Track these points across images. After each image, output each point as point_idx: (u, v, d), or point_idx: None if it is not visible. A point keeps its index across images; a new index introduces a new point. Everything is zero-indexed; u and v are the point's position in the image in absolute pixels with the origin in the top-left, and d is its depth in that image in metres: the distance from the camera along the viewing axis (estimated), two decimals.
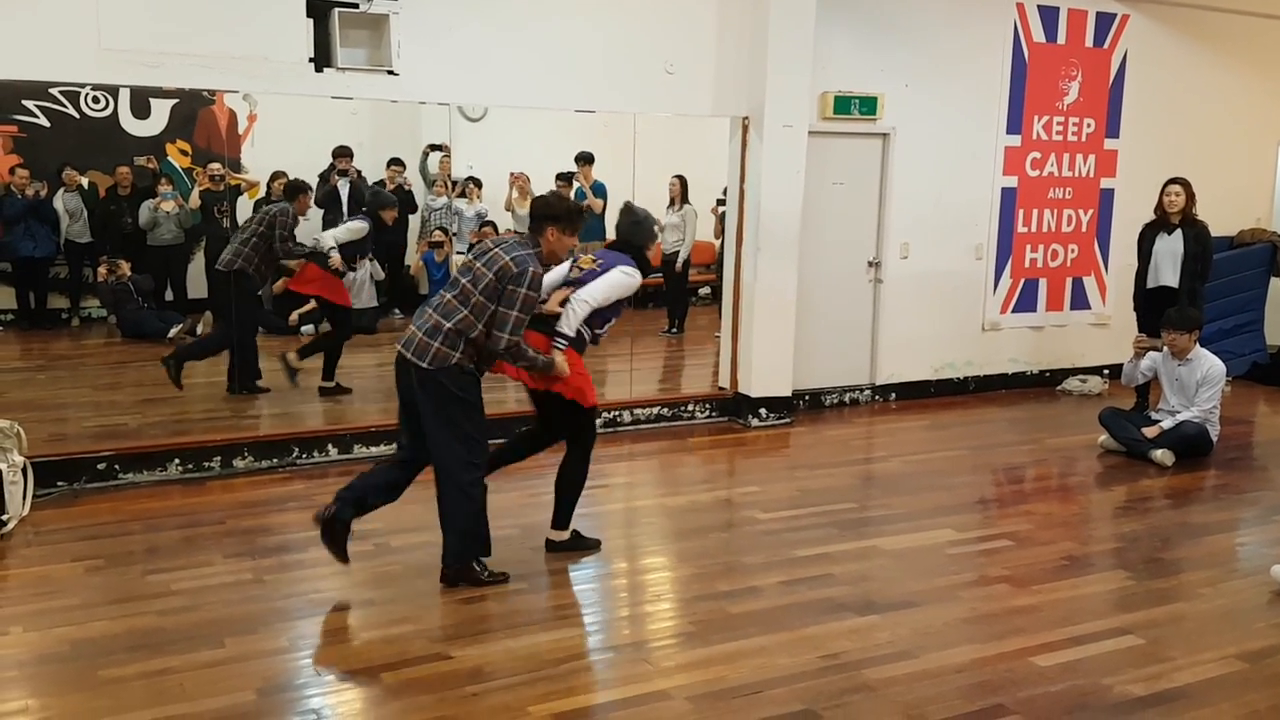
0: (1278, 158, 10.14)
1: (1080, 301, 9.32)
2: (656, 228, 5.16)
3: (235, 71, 6.04)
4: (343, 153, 11.18)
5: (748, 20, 7.39)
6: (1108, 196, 9.25)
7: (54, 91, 10.97)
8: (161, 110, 11.58)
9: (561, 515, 5.10)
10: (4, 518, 5.20)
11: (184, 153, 11.76)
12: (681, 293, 11.08)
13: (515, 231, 4.79)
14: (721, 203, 9.39)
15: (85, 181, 10.93)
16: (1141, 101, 9.16)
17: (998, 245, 8.84)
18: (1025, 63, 8.65)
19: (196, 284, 9.85)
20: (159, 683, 3.75)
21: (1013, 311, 9.03)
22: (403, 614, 4.39)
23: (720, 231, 9.99)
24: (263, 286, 7.80)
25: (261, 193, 11.29)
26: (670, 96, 7.34)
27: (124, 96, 11.36)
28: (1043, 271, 9.10)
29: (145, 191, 10.79)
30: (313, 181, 11.44)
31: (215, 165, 11.11)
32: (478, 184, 11.62)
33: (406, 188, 10.89)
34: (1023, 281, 9.02)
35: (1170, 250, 7.66)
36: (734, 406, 7.85)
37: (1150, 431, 6.96)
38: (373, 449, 6.53)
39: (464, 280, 4.47)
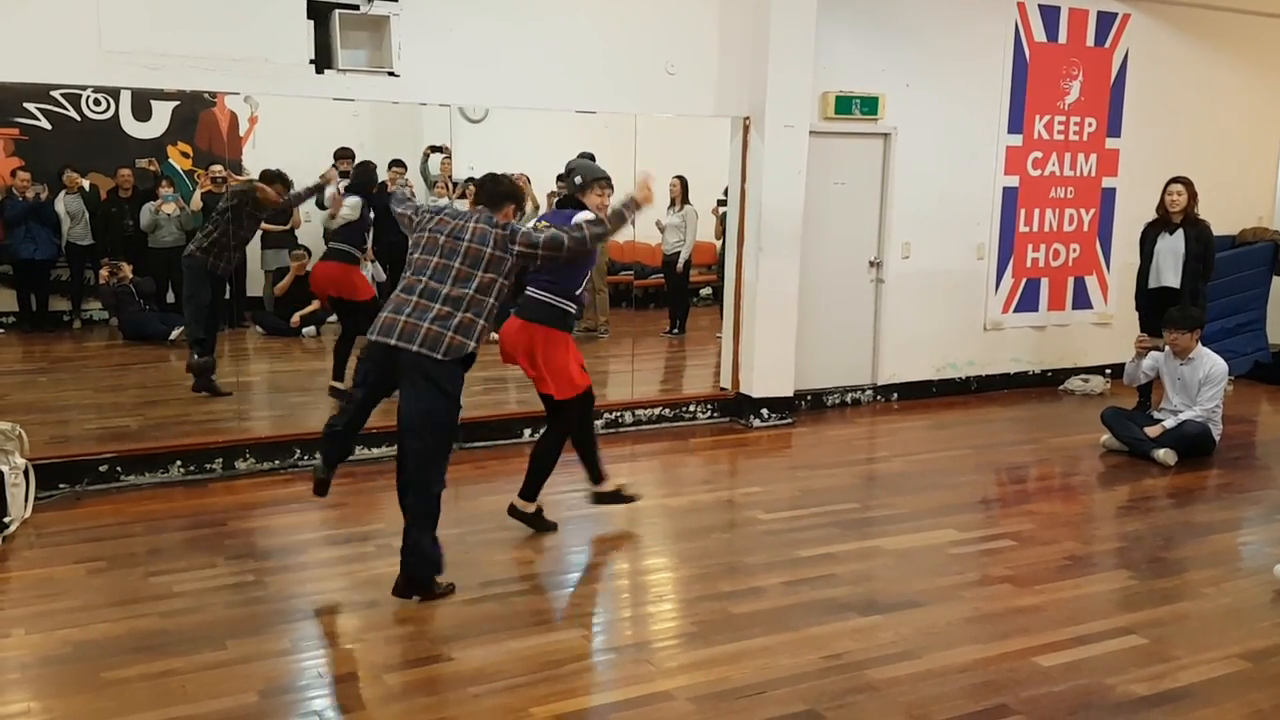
0: (1279, 156, 10.13)
1: (1082, 301, 9.32)
2: (587, 171, 5.39)
3: (236, 73, 6.04)
4: (344, 154, 11.18)
5: (749, 20, 7.40)
6: (1109, 196, 9.25)
7: (55, 94, 10.98)
8: (162, 112, 11.59)
9: (530, 486, 5.26)
10: (6, 520, 5.19)
11: (185, 155, 11.77)
12: (683, 293, 11.08)
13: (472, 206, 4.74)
14: (723, 203, 9.39)
15: (86, 184, 10.93)
16: (1143, 101, 9.16)
17: (999, 245, 8.84)
18: (1026, 62, 8.64)
19: None
20: (161, 684, 3.75)
21: (1014, 311, 9.02)
22: (404, 615, 4.38)
23: (721, 232, 9.99)
24: (224, 270, 7.52)
25: None
26: (671, 97, 7.34)
27: (125, 99, 11.37)
28: (1044, 271, 9.10)
29: (146, 194, 10.79)
30: (314, 183, 11.45)
31: (217, 167, 11.12)
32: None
33: (408, 189, 10.89)
34: (1024, 281, 9.02)
35: (1172, 249, 7.66)
36: (735, 407, 7.85)
37: (1153, 431, 6.95)
38: (374, 450, 6.52)
39: (455, 263, 4.37)
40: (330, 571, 4.83)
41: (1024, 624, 4.38)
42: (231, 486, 6.12)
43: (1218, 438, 7.04)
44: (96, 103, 11.27)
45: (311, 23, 6.11)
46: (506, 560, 4.87)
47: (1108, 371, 9.13)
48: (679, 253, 10.73)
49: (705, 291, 13.29)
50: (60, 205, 10.74)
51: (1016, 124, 8.73)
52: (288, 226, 10.99)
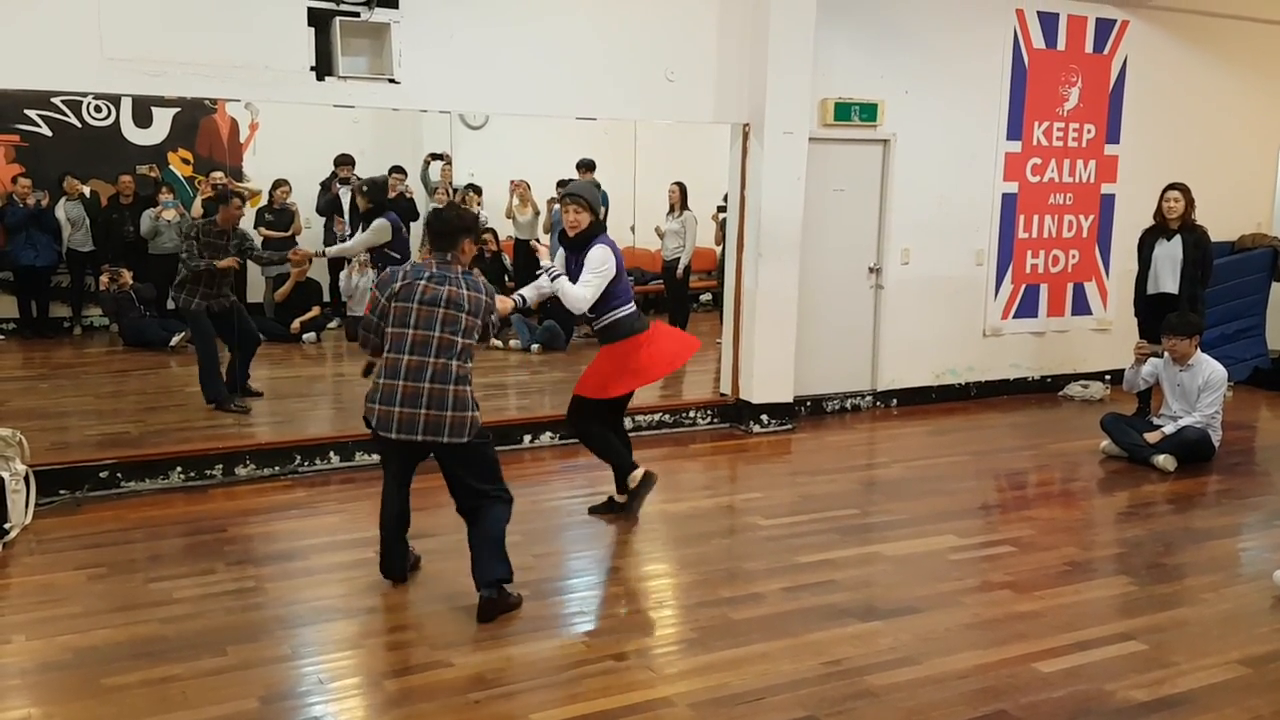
0: (1278, 162, 10.15)
1: (1081, 307, 9.33)
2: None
3: (237, 80, 6.05)
4: (344, 161, 11.23)
5: (748, 27, 7.41)
6: (1108, 202, 9.26)
7: (56, 101, 11.02)
8: (163, 119, 11.63)
9: (616, 479, 5.61)
10: (6, 526, 5.20)
11: (186, 161, 11.80)
12: (682, 299, 11.10)
13: (428, 255, 4.53)
14: (722, 209, 9.41)
15: (87, 190, 10.93)
16: (1142, 107, 9.17)
17: (999, 251, 8.85)
18: (1025, 69, 8.66)
19: None
20: (161, 691, 3.75)
21: (1014, 317, 9.03)
22: (404, 621, 4.39)
23: (721, 238, 10.02)
24: (191, 301, 7.37)
25: (264, 200, 11.34)
26: (671, 103, 7.35)
27: (126, 105, 11.41)
28: (1044, 277, 9.11)
29: (147, 200, 10.81)
30: (314, 189, 11.50)
31: (217, 174, 11.14)
32: (478, 191, 11.65)
33: (408, 196, 10.91)
34: (1024, 287, 9.03)
35: (1170, 256, 7.67)
36: (735, 413, 7.85)
37: (1152, 437, 6.96)
38: (374, 456, 6.52)
39: (445, 333, 4.25)
40: (330, 578, 4.83)
41: (1024, 630, 4.38)
42: (232, 493, 6.12)
43: (1217, 444, 7.04)
44: (97, 109, 11.30)
45: (312, 29, 6.11)
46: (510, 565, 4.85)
47: (1107, 377, 9.13)
48: (679, 259, 10.75)
49: (705, 297, 13.33)
50: (61, 212, 10.75)
51: (1015, 130, 8.74)
52: (289, 233, 11.02)
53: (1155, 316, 7.49)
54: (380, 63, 6.36)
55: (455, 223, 4.47)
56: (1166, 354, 7.08)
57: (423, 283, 4.30)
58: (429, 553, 4.90)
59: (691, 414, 7.85)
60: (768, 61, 7.31)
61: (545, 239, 10.65)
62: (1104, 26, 8.93)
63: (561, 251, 5.44)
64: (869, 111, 8.01)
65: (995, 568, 5.12)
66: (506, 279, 11.14)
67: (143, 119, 11.53)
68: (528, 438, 7.06)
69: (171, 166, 11.61)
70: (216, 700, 3.69)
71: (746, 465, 7.09)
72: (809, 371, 8.02)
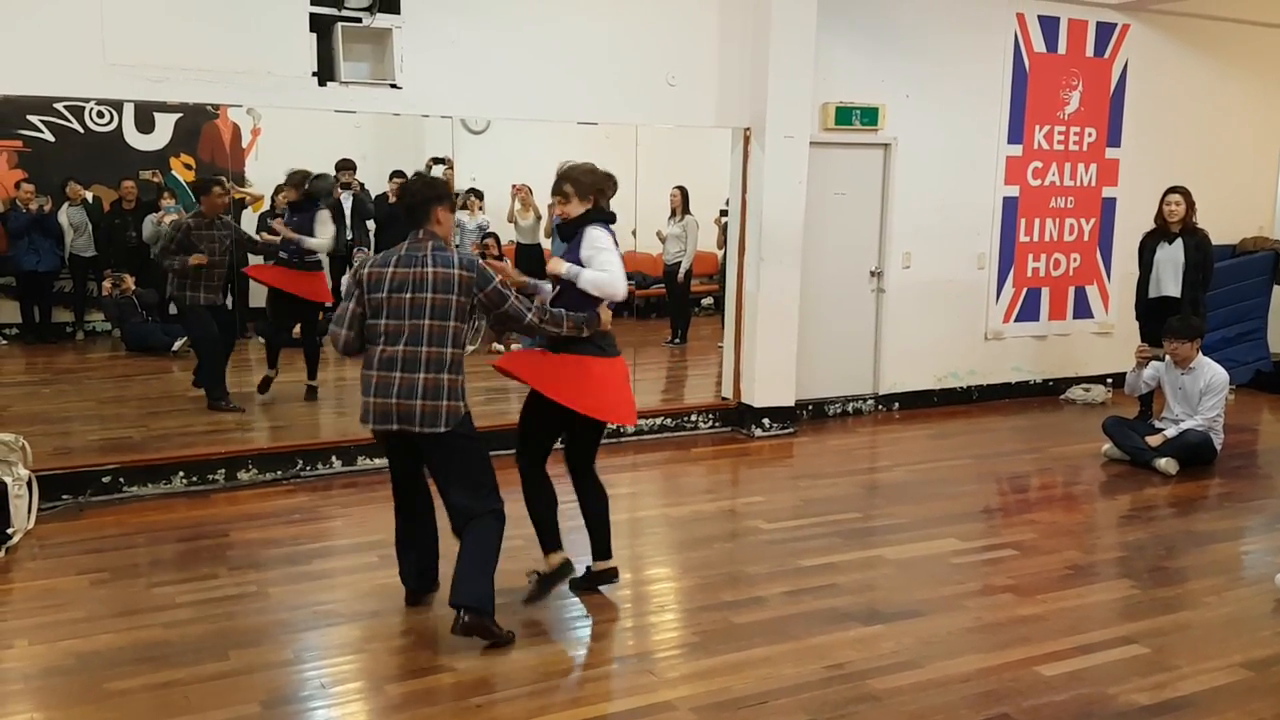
0: (1279, 165, 10.15)
1: (1083, 310, 9.33)
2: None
3: (239, 85, 6.07)
4: (346, 166, 11.21)
5: (749, 32, 7.43)
6: (1109, 205, 9.27)
7: (58, 106, 11.01)
8: (165, 124, 11.62)
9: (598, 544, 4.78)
10: (9, 531, 5.20)
11: (188, 167, 11.79)
12: (684, 303, 11.10)
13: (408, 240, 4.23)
14: (724, 213, 9.40)
15: (89, 195, 10.95)
16: (1143, 111, 9.18)
17: (1000, 254, 8.85)
18: (1026, 72, 8.67)
19: None
20: (164, 695, 3.76)
21: (1015, 320, 9.03)
22: (407, 626, 4.39)
23: (723, 242, 10.01)
24: (195, 296, 7.66)
25: (265, 206, 11.34)
26: (672, 108, 7.36)
27: (128, 111, 11.40)
28: (1045, 280, 9.11)
29: (149, 205, 10.81)
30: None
31: (219, 179, 11.13)
32: (480, 196, 11.65)
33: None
34: (1025, 290, 9.03)
35: (1171, 259, 7.67)
36: (737, 417, 7.85)
37: (1154, 440, 6.95)
38: (376, 460, 6.52)
39: (425, 321, 4.07)
40: (332, 582, 4.83)
41: (1026, 633, 4.38)
42: (234, 497, 6.12)
43: (1219, 447, 7.04)
44: (100, 115, 11.30)
45: (314, 35, 6.14)
46: (507, 571, 4.85)
47: (1109, 381, 9.14)
48: (680, 263, 10.75)
49: (707, 301, 13.30)
50: (63, 217, 10.76)
51: (1016, 134, 8.75)
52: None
53: (1156, 320, 7.48)
54: (382, 68, 6.38)
55: (423, 192, 4.25)
56: (1168, 357, 7.08)
57: (390, 270, 4.11)
58: None
59: (693, 418, 7.85)
60: (769, 66, 7.32)
61: (548, 244, 10.65)
62: (1105, 30, 8.94)
63: (563, 252, 5.17)
64: (870, 115, 8.02)
65: (997, 571, 5.11)
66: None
67: (145, 124, 11.52)
68: None
69: (174, 172, 11.61)
70: (219, 705, 3.69)
71: (748, 469, 7.09)
72: (810, 375, 8.02)
